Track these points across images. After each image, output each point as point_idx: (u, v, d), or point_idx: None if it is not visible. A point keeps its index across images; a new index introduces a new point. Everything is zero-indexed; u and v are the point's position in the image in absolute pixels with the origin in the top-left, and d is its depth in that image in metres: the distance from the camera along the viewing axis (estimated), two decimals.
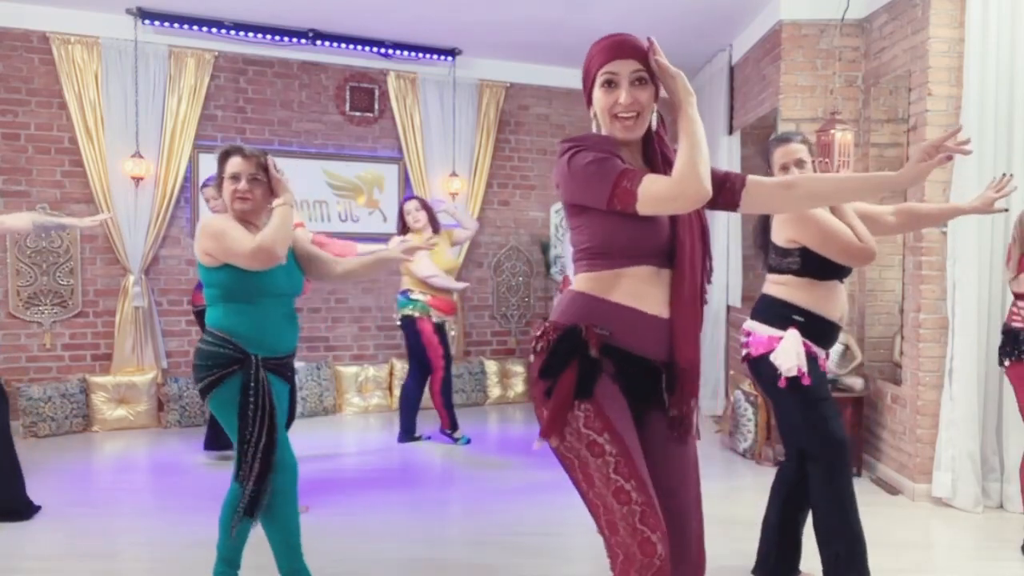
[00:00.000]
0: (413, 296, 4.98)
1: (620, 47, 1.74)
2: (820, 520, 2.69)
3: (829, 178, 2.16)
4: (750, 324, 2.79)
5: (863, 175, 2.04)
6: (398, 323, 5.12)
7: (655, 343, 1.77)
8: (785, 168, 2.69)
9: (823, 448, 2.64)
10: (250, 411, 2.50)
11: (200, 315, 4.53)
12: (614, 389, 1.74)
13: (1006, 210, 3.24)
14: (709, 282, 1.85)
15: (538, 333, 1.78)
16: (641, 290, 1.75)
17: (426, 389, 5.36)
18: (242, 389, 2.50)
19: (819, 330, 2.69)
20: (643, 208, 1.65)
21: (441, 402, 5.12)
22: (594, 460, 1.68)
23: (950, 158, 1.83)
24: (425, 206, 5.09)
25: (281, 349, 2.64)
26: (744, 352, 2.78)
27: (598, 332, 1.72)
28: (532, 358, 1.80)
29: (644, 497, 1.66)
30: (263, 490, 2.54)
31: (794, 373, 2.57)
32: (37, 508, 3.72)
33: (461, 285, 5.29)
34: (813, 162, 2.77)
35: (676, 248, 1.76)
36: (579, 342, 1.71)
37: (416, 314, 4.97)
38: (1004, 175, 2.68)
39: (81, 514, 3.75)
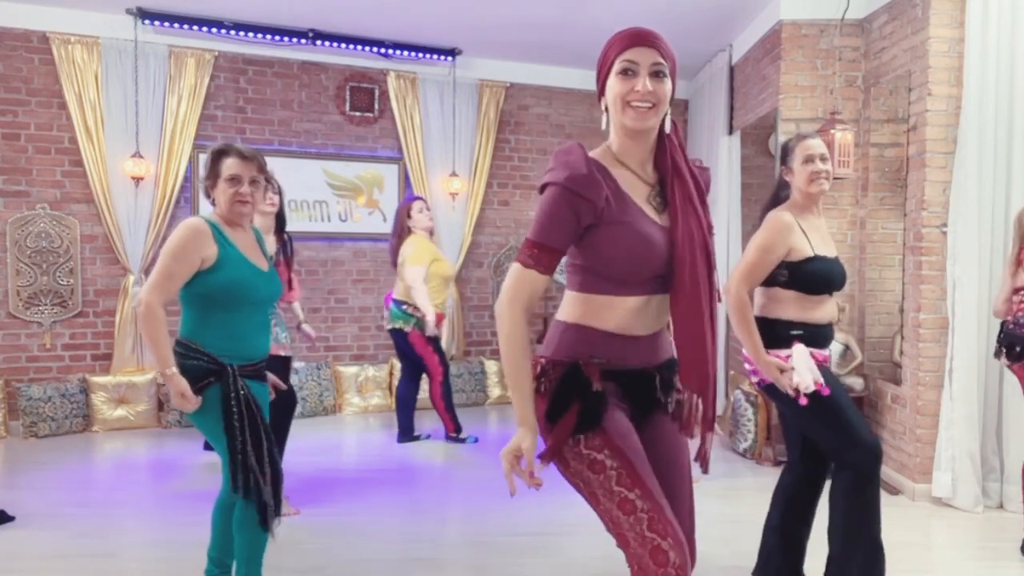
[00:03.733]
0: (406, 309, 4.88)
1: (642, 36, 1.68)
2: (841, 529, 2.62)
3: None
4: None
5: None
6: (387, 329, 5.07)
7: (648, 355, 1.77)
8: (810, 160, 2.66)
9: (854, 455, 2.57)
10: (236, 421, 2.42)
11: None
12: (612, 404, 1.72)
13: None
14: (719, 300, 1.79)
15: (536, 371, 1.73)
16: (630, 321, 1.72)
17: (424, 391, 5.35)
18: (223, 400, 2.42)
19: (817, 337, 2.66)
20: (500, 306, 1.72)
21: (443, 406, 5.10)
22: (596, 477, 1.66)
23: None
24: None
25: (255, 356, 2.57)
26: (755, 379, 2.72)
27: (596, 363, 1.70)
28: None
29: (650, 504, 1.63)
30: (277, 496, 2.50)
31: (813, 388, 2.52)
32: (11, 518, 3.63)
33: (432, 323, 4.83)
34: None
35: (675, 271, 1.69)
36: (582, 379, 1.69)
37: (407, 328, 4.90)
38: None
39: (81, 514, 3.75)
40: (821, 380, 2.55)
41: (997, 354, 3.41)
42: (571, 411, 1.68)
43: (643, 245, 1.67)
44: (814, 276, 2.61)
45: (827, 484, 2.80)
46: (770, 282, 2.68)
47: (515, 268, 1.69)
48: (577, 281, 1.76)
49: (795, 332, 2.62)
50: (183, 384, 2.38)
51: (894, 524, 3.69)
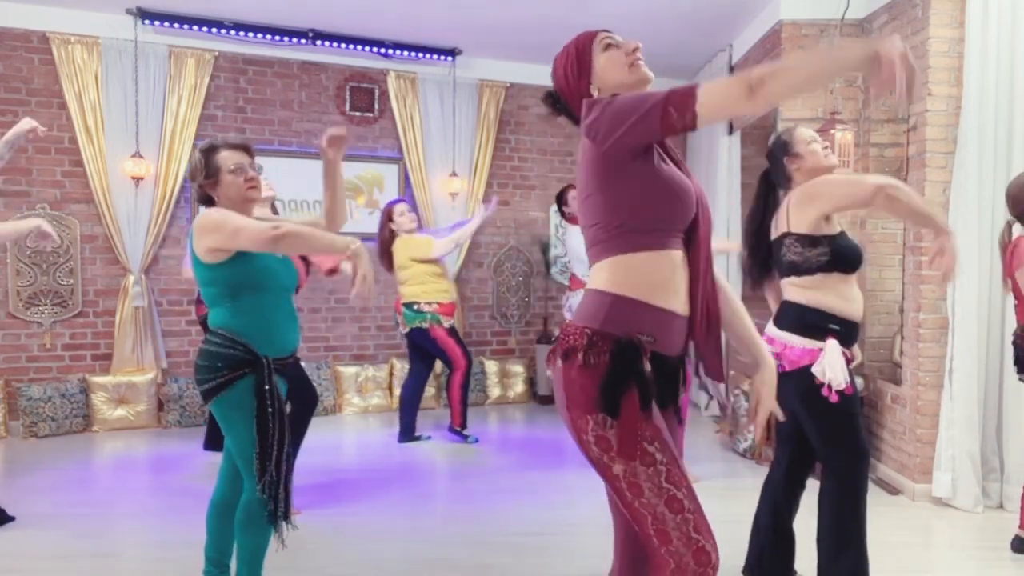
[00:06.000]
0: (420, 308, 4.99)
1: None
2: (831, 532, 2.63)
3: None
4: (780, 334, 2.66)
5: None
6: (404, 334, 5.15)
7: (679, 340, 1.74)
8: (815, 140, 2.71)
9: (851, 462, 2.58)
10: (269, 416, 2.41)
11: (206, 324, 4.50)
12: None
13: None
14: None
15: (581, 342, 1.65)
16: (669, 282, 1.68)
17: (427, 388, 5.38)
18: (256, 394, 2.41)
19: (850, 335, 2.63)
20: (703, 106, 1.51)
21: (459, 398, 5.17)
22: (644, 469, 1.61)
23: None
24: (415, 209, 5.21)
25: (288, 348, 2.57)
26: (776, 350, 2.65)
27: (645, 341, 1.65)
28: (561, 363, 1.68)
29: (695, 504, 1.63)
30: (289, 494, 2.50)
31: (843, 387, 2.51)
32: (11, 518, 3.63)
33: (476, 222, 5.14)
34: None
35: (697, 215, 1.71)
36: (635, 357, 1.63)
37: (427, 325, 5.02)
38: None
39: (81, 514, 3.75)
40: (848, 380, 2.55)
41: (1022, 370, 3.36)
42: (632, 393, 1.61)
43: (677, 185, 1.69)
44: (849, 250, 2.61)
45: (811, 484, 2.81)
46: (811, 268, 2.62)
47: (695, 92, 1.52)
48: (613, 246, 1.70)
49: (833, 326, 2.58)
50: (367, 256, 2.29)
51: (894, 524, 3.70)
